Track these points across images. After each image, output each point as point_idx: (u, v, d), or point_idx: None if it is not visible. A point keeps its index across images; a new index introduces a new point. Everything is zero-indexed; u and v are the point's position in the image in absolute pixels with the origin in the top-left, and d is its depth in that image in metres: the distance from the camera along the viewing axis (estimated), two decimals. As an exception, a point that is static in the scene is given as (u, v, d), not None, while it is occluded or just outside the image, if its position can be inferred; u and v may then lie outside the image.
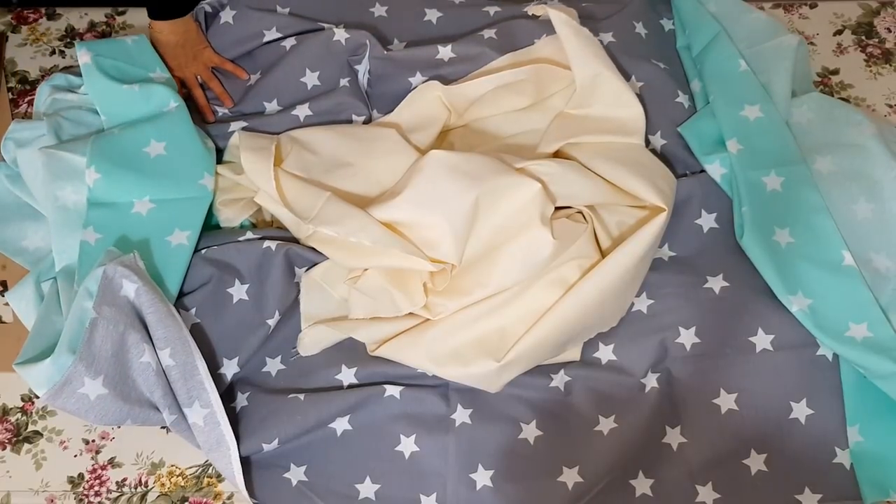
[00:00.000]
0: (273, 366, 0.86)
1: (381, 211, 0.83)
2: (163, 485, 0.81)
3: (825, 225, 0.86)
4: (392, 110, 0.96)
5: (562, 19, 0.92)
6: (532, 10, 0.99)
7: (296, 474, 0.81)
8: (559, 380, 0.84)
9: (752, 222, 0.87)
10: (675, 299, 0.86)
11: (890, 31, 1.09)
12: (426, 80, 0.95)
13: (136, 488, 0.81)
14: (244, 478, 0.77)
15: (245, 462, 0.80)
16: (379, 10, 1.03)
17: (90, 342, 0.75)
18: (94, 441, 0.83)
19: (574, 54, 0.91)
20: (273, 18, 0.99)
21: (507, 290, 0.82)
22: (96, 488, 0.81)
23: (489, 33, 0.98)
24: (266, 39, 0.99)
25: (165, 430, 0.82)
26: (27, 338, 0.80)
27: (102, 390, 0.75)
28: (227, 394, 0.83)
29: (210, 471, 0.82)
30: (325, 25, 1.00)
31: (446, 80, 0.95)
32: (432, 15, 1.02)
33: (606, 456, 0.81)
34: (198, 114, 0.97)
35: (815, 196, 0.87)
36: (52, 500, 0.81)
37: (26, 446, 0.83)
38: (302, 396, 0.82)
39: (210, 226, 0.90)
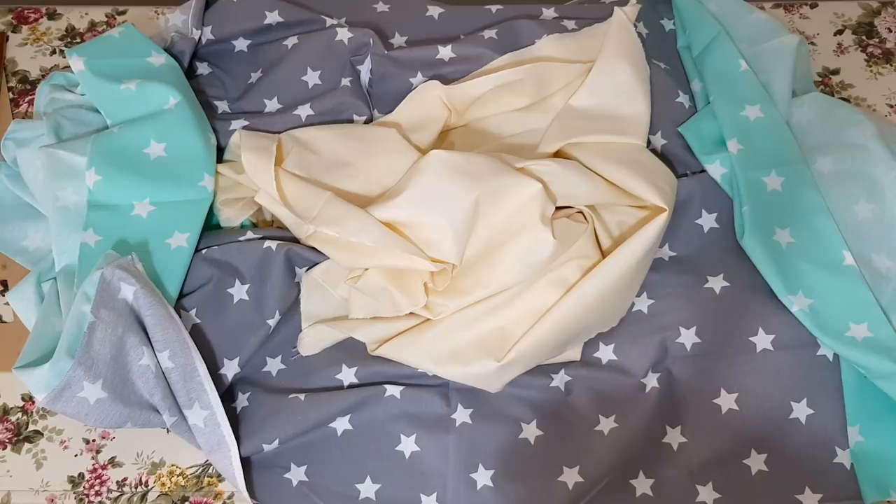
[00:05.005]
0: (273, 366, 0.86)
1: (381, 211, 0.83)
2: (163, 484, 0.82)
3: (826, 225, 0.86)
4: (393, 110, 0.96)
5: (623, 19, 0.94)
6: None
7: (296, 474, 0.81)
8: (559, 380, 0.84)
9: (752, 222, 0.87)
10: (676, 299, 0.86)
11: (891, 31, 1.09)
12: (427, 80, 0.95)
13: (136, 488, 0.81)
14: (245, 478, 0.77)
15: (245, 462, 0.80)
16: (382, 7, 1.03)
17: (88, 346, 0.75)
18: (94, 441, 0.83)
19: (609, 47, 0.93)
20: (276, 2, 0.99)
21: (507, 290, 0.82)
22: (97, 488, 0.81)
23: (490, 33, 0.97)
24: (267, 22, 0.99)
25: (166, 430, 0.82)
26: (27, 340, 0.80)
27: (102, 394, 0.75)
28: (228, 394, 0.83)
29: (210, 470, 0.82)
30: (328, 20, 1.00)
31: (447, 80, 0.95)
32: (434, 11, 1.02)
33: (607, 456, 0.80)
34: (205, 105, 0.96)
35: (816, 196, 0.87)
36: (52, 500, 0.81)
37: (27, 446, 0.83)
38: (302, 396, 0.81)
39: (210, 225, 0.90)
